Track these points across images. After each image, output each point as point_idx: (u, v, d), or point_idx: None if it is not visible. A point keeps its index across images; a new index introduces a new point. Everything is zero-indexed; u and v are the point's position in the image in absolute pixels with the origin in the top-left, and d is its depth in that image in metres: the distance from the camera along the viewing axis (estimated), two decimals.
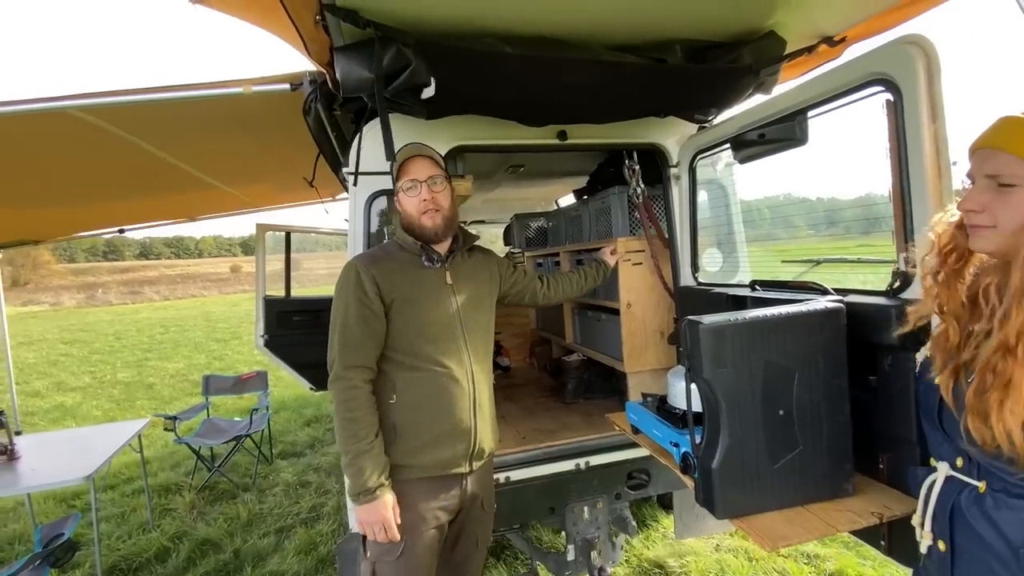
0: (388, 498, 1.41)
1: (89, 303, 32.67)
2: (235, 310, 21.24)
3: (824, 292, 1.43)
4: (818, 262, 1.59)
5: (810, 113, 1.53)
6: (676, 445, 1.43)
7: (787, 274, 1.74)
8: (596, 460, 2.19)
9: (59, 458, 2.91)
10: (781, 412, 1.19)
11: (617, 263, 2.27)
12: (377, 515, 1.39)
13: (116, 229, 3.94)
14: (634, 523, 2.37)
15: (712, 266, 2.39)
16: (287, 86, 1.85)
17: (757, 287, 1.69)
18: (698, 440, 1.26)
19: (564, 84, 1.64)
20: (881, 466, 1.28)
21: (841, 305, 1.21)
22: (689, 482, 1.33)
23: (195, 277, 49.83)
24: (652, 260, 2.33)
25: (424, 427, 1.49)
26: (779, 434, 1.19)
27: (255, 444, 4.37)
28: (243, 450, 4.34)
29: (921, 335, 1.03)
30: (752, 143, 1.65)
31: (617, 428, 1.92)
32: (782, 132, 1.57)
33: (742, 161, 1.79)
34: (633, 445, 2.09)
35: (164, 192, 3.17)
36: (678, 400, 1.52)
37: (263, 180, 3.31)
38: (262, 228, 3.70)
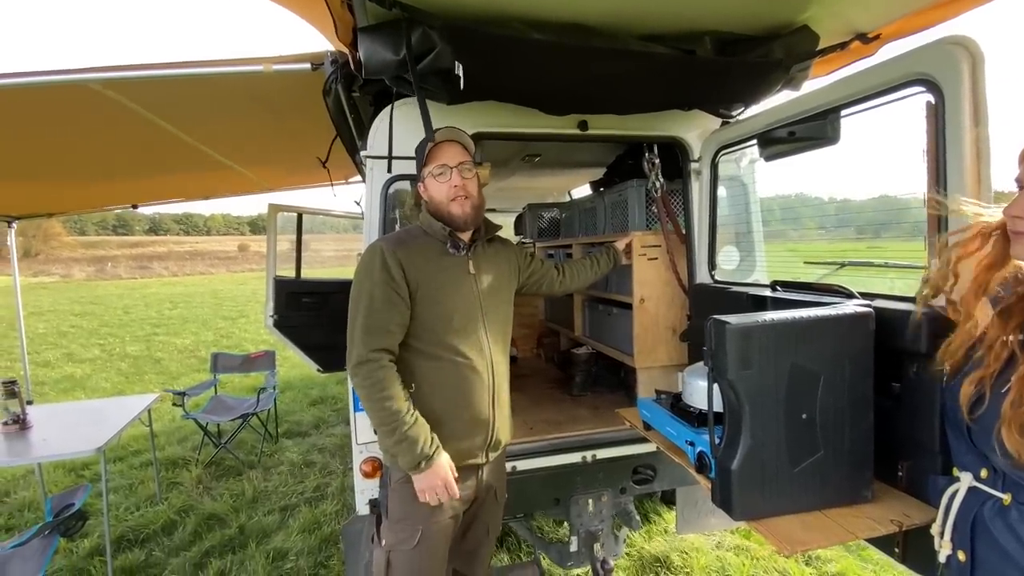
0: (444, 459, 1.42)
1: (99, 276, 33.00)
2: (242, 289, 21.37)
3: (849, 296, 1.41)
4: (843, 264, 1.56)
5: (843, 112, 1.49)
6: (692, 444, 1.41)
7: (808, 275, 1.71)
8: (603, 454, 2.19)
9: (70, 429, 2.94)
10: (804, 416, 1.17)
11: (631, 256, 2.24)
12: (439, 477, 1.40)
13: (129, 204, 3.94)
14: (638, 517, 2.37)
15: (729, 264, 2.36)
16: (308, 66, 1.82)
17: (778, 288, 1.67)
18: (717, 440, 1.25)
19: (591, 73, 1.60)
20: (900, 473, 1.26)
21: (871, 310, 1.19)
22: (704, 482, 1.32)
23: (203, 254, 50.09)
24: (668, 255, 2.31)
25: (444, 418, 1.47)
26: (801, 438, 1.18)
27: (261, 423, 4.41)
28: (249, 428, 4.38)
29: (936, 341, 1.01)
30: (781, 140, 1.62)
31: (628, 423, 1.92)
32: (813, 130, 1.53)
33: (768, 159, 1.76)
34: (640, 440, 2.09)
35: (179, 171, 3.17)
36: (694, 398, 1.51)
37: (277, 161, 3.29)
38: (274, 208, 3.69)
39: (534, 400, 2.77)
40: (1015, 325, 0.89)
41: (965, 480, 0.95)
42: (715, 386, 1.22)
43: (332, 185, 3.35)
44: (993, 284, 0.91)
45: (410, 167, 1.88)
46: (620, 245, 2.18)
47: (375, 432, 1.41)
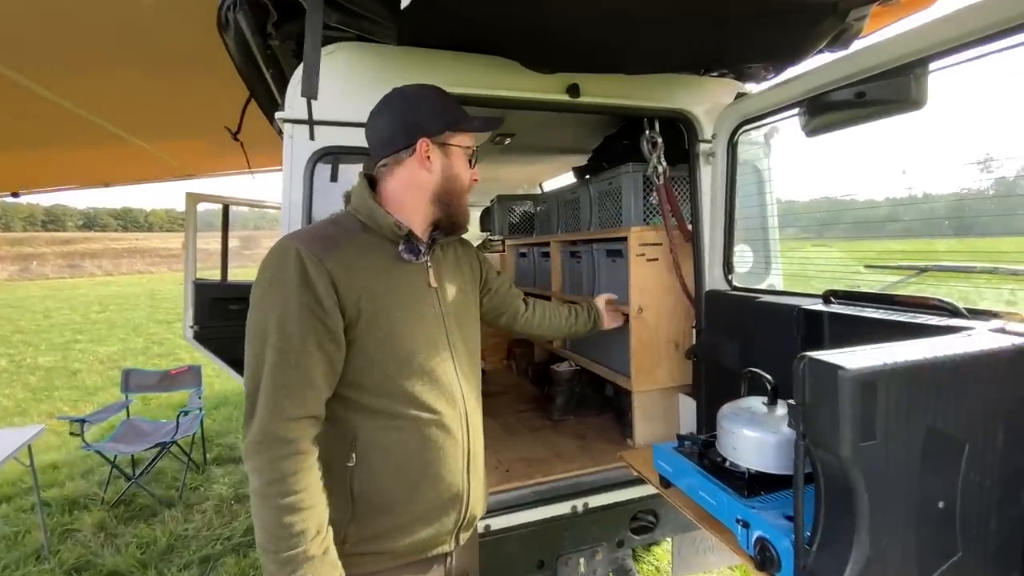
0: None
1: (22, 276, 30.35)
2: (183, 289, 19.92)
3: (954, 313, 1.03)
4: (923, 269, 1.18)
5: (933, 65, 1.12)
6: (745, 525, 1.00)
7: (867, 283, 1.33)
8: (596, 500, 1.80)
9: None
10: (941, 504, 0.77)
11: (615, 320, 1.80)
12: None
13: (8, 193, 3.22)
14: (637, 573, 1.97)
15: (740, 266, 1.99)
16: None
17: (833, 300, 1.28)
18: (806, 537, 0.83)
19: (599, 9, 1.16)
20: None
21: None
22: None
23: (143, 252, 46.99)
24: (671, 256, 1.91)
25: (401, 501, 1.01)
26: (934, 535, 0.78)
27: (183, 451, 3.77)
28: (171, 455, 3.73)
29: None
30: (842, 106, 1.23)
31: (635, 472, 1.51)
32: (891, 90, 1.15)
33: (815, 132, 1.37)
34: (639, 481, 1.69)
35: (60, 146, 2.52)
36: (741, 454, 1.09)
37: (189, 136, 2.68)
38: (193, 198, 3.10)
39: (508, 428, 2.32)
40: None
41: None
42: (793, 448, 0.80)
43: (251, 171, 2.76)
44: None
45: (347, 136, 1.40)
46: (604, 312, 1.74)
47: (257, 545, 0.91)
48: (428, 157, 1.05)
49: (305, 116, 1.36)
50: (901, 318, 1.03)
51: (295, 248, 0.94)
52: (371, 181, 1.10)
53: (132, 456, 3.65)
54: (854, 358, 0.73)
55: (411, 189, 1.07)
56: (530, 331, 1.53)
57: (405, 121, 1.06)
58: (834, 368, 0.71)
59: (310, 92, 0.89)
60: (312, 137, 1.26)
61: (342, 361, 0.97)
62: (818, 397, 0.74)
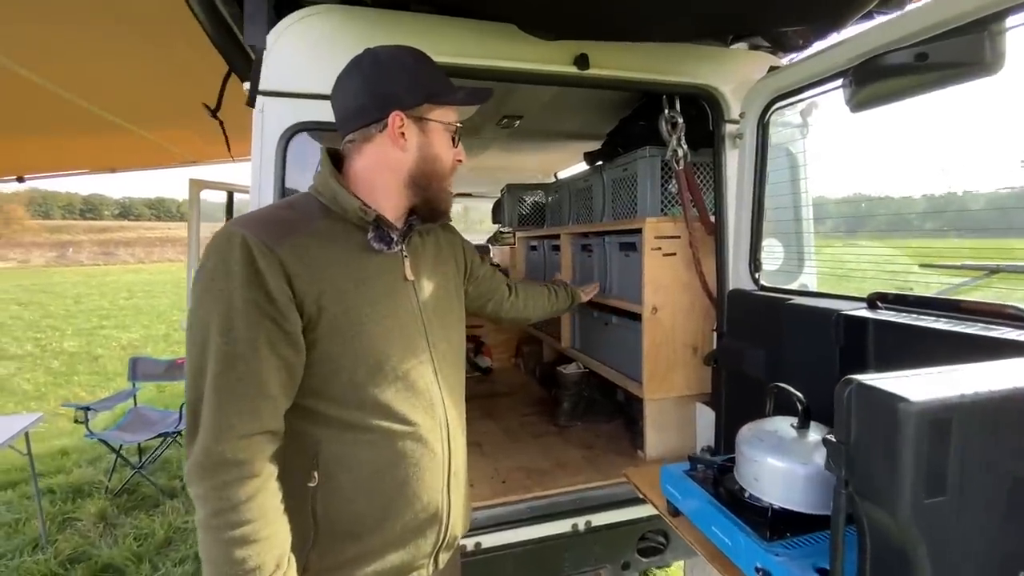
0: None
1: (59, 262, 31.51)
2: (186, 278, 20.36)
3: None
4: (995, 270, 0.98)
5: (1011, 20, 0.91)
6: (765, 575, 0.83)
7: (921, 286, 1.13)
8: (600, 519, 1.63)
9: None
10: (1022, 574, 0.59)
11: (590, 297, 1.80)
12: None
13: (13, 176, 3.20)
14: None
15: (769, 263, 1.79)
16: None
17: (880, 304, 1.09)
18: None
19: None
20: None
21: None
22: None
23: (175, 241, 48.38)
24: (691, 250, 1.73)
25: (371, 524, 0.88)
26: None
27: None
28: (178, 444, 3.70)
29: None
30: (899, 71, 1.03)
31: (641, 494, 1.34)
32: (960, 51, 0.95)
33: (862, 104, 1.17)
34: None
35: (55, 133, 2.45)
36: (764, 486, 0.92)
37: (185, 121, 2.58)
38: (196, 185, 3.01)
39: (509, 433, 2.17)
40: None
41: None
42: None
43: (232, 159, 2.63)
44: None
45: (325, 110, 1.26)
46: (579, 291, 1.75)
47: None
48: (402, 134, 0.90)
49: (280, 87, 1.23)
50: (968, 330, 0.84)
51: (240, 235, 0.79)
52: (337, 157, 0.96)
53: (139, 444, 3.63)
54: (919, 385, 0.55)
55: (382, 170, 0.92)
56: (516, 315, 1.44)
57: (376, 90, 0.90)
58: (894, 399, 0.53)
59: (255, 38, 0.74)
60: (251, 104, 1.13)
61: (302, 366, 0.83)
62: (869, 436, 0.56)
